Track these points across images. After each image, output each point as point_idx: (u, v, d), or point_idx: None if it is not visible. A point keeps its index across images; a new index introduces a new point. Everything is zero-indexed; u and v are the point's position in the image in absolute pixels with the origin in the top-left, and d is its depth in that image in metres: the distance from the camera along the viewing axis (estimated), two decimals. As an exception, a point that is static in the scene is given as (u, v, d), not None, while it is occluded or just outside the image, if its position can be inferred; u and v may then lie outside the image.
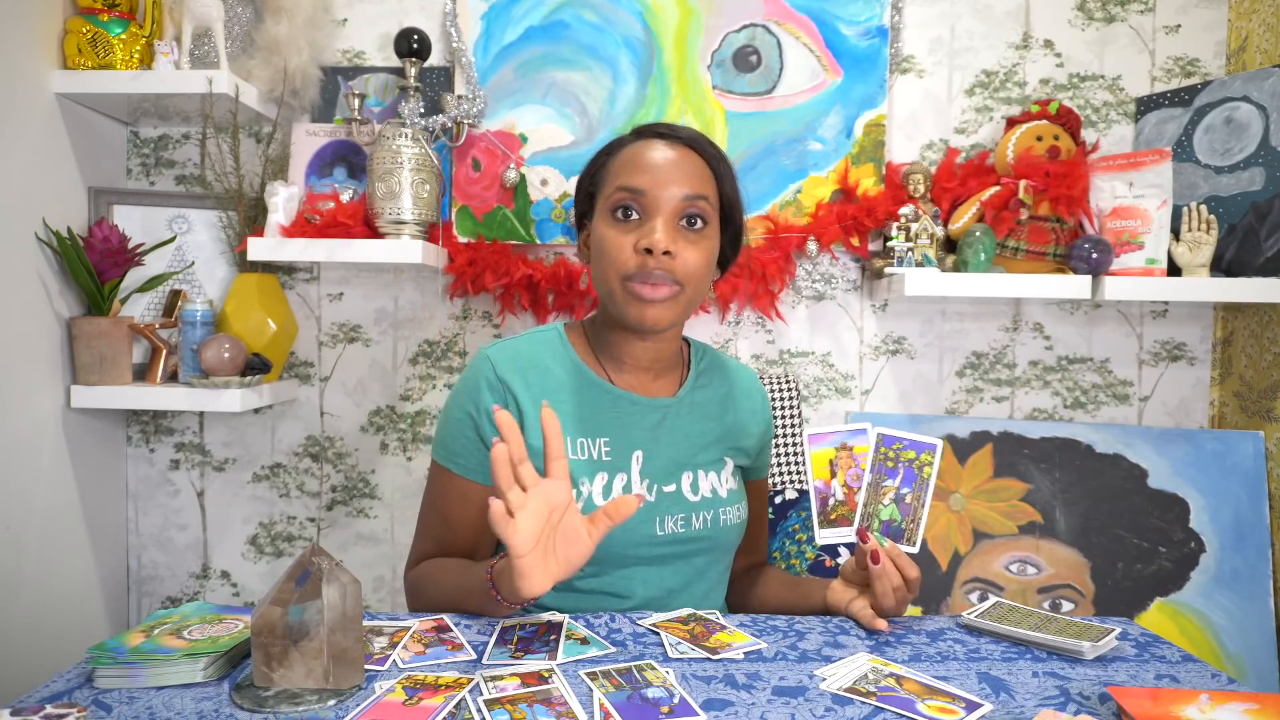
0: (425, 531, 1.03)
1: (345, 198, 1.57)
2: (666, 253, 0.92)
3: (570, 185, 1.64)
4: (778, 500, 1.45)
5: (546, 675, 0.74)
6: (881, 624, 0.87)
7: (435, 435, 1.03)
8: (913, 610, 1.60)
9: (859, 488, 0.91)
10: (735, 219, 1.02)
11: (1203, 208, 1.48)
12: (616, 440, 0.98)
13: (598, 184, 1.00)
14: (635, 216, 0.94)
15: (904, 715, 0.68)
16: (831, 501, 0.92)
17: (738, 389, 1.10)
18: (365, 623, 0.86)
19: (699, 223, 0.95)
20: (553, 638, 0.83)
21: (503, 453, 0.74)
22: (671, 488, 0.99)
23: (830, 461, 0.92)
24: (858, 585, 0.93)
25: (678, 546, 0.98)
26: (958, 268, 1.51)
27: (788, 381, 1.48)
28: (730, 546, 1.05)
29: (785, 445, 1.47)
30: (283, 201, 1.51)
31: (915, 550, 0.90)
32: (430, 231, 1.55)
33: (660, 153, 0.96)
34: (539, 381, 0.98)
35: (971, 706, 0.70)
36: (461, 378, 1.01)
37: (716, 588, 1.05)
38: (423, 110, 1.55)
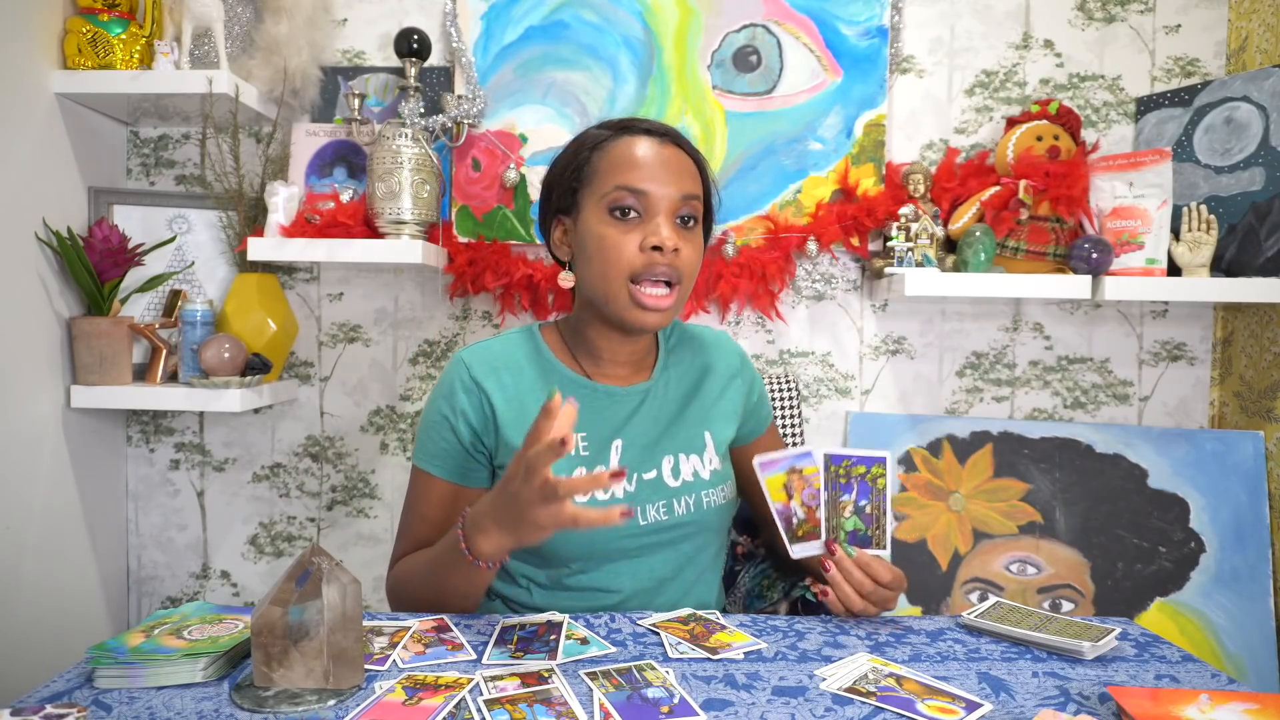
0: (406, 535, 1.03)
1: (345, 198, 1.57)
2: (675, 250, 0.93)
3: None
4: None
5: (546, 675, 0.74)
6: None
7: (415, 440, 1.03)
8: (913, 610, 1.60)
9: (817, 505, 0.94)
10: (710, 215, 1.05)
11: (1203, 208, 1.48)
12: (594, 434, 0.99)
13: (584, 179, 0.99)
14: (635, 215, 0.95)
15: (904, 715, 0.68)
16: (795, 520, 0.94)
17: (710, 351, 1.12)
18: (365, 623, 0.86)
19: (692, 221, 0.98)
20: (553, 638, 0.83)
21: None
22: (652, 474, 1.00)
23: (784, 485, 0.94)
24: None
25: (662, 535, 0.99)
26: (958, 268, 1.51)
27: (788, 381, 1.48)
28: (718, 529, 1.06)
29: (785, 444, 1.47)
30: (283, 201, 1.51)
31: (886, 553, 0.93)
32: (430, 231, 1.55)
33: (655, 151, 0.97)
34: (513, 382, 0.99)
35: (971, 706, 0.70)
36: (438, 382, 1.03)
37: (708, 573, 1.06)
38: (423, 110, 1.55)
